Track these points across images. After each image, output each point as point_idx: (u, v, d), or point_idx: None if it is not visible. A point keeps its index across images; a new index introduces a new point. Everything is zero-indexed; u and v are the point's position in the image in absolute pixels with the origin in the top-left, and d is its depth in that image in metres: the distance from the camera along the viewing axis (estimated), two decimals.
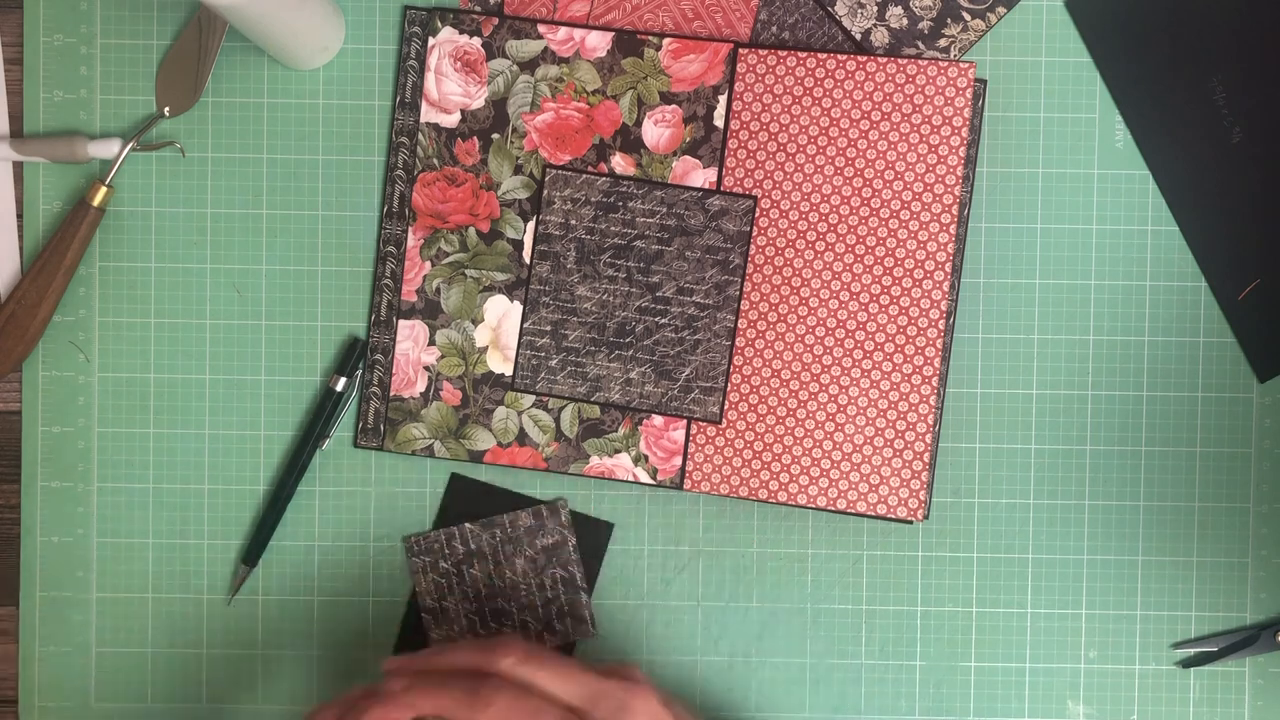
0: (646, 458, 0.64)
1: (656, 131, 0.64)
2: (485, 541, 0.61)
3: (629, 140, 0.64)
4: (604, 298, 0.64)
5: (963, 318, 0.65)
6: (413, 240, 0.64)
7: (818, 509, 0.63)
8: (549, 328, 0.64)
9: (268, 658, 0.65)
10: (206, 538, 0.65)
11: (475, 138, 0.64)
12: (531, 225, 0.64)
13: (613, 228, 0.64)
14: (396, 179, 0.65)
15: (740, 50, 0.63)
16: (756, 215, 0.63)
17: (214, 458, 0.65)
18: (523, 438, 0.64)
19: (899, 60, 0.63)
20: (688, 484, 0.64)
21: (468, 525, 0.61)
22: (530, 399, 0.64)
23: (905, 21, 0.64)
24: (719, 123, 0.64)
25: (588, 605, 0.62)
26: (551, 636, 0.61)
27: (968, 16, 0.64)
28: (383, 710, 0.50)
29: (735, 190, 0.64)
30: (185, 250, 0.65)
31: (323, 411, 0.64)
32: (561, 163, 0.64)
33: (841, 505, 0.63)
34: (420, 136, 0.64)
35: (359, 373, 0.65)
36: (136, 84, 0.65)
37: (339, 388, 0.64)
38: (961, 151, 0.62)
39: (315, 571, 0.65)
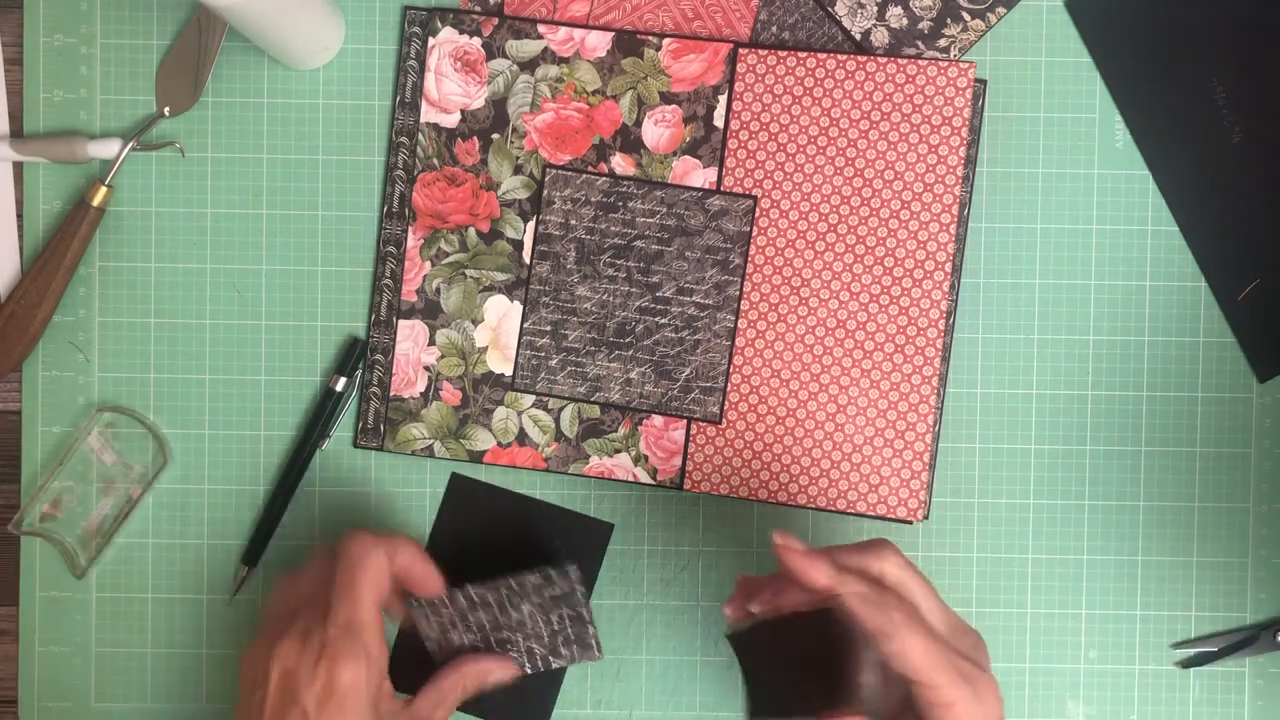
0: (646, 458, 0.64)
1: (656, 131, 0.64)
2: (491, 598, 0.59)
3: (629, 140, 0.64)
4: (604, 298, 0.64)
5: (963, 318, 0.65)
6: (413, 240, 0.64)
7: (818, 509, 0.63)
8: (549, 328, 0.64)
9: None
10: (206, 538, 0.65)
11: (475, 138, 0.64)
12: (531, 225, 0.64)
13: (613, 228, 0.64)
14: (396, 179, 0.65)
15: (740, 50, 0.63)
16: (756, 215, 0.63)
17: (214, 458, 0.65)
18: (523, 438, 0.64)
19: (899, 60, 0.63)
20: (688, 484, 0.64)
21: (470, 587, 0.58)
22: (530, 399, 0.64)
23: (905, 21, 0.64)
24: (719, 123, 0.64)
25: (594, 636, 0.60)
26: (557, 659, 0.59)
27: (968, 16, 0.64)
28: (807, 564, 0.50)
29: (735, 190, 0.64)
30: (185, 250, 0.65)
31: (323, 411, 0.64)
32: (561, 163, 0.64)
33: (841, 505, 0.63)
34: (420, 136, 0.64)
35: (359, 373, 0.65)
36: (136, 84, 0.65)
37: (339, 388, 0.64)
38: (961, 151, 0.62)
39: None
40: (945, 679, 0.48)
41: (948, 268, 0.63)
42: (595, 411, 0.64)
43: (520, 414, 0.64)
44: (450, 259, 0.65)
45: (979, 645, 0.52)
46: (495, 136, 0.64)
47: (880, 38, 0.64)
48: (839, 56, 0.63)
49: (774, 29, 0.64)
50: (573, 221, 0.64)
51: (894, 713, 0.51)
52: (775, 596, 0.52)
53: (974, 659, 0.50)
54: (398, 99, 0.64)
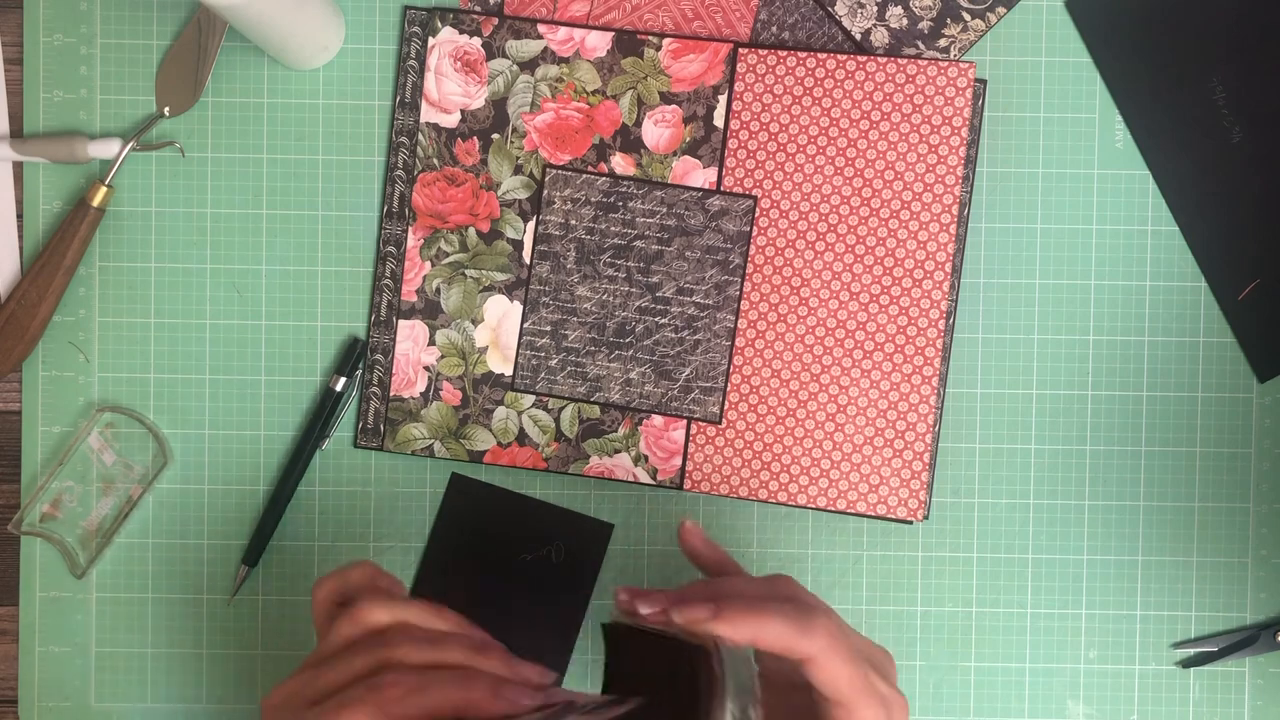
0: (646, 458, 0.64)
1: (656, 131, 0.64)
2: None
3: (629, 140, 0.64)
4: (604, 298, 0.64)
5: (963, 318, 0.65)
6: (413, 240, 0.64)
7: (818, 509, 0.63)
8: (549, 328, 0.64)
9: (268, 658, 0.65)
10: (206, 538, 0.65)
11: (475, 138, 0.64)
12: (531, 225, 0.64)
13: (613, 228, 0.64)
14: (396, 179, 0.65)
15: (740, 50, 0.63)
16: (756, 215, 0.63)
17: (214, 458, 0.65)
18: (523, 438, 0.64)
19: (899, 60, 0.63)
20: (688, 484, 0.64)
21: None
22: (530, 399, 0.64)
23: (905, 21, 0.64)
24: (719, 123, 0.64)
25: None
26: None
27: (968, 16, 0.64)
28: (727, 628, 0.47)
29: (735, 190, 0.64)
30: (185, 250, 0.65)
31: (323, 411, 0.64)
32: (561, 163, 0.64)
33: (841, 505, 0.63)
34: (420, 136, 0.64)
35: (359, 373, 0.65)
36: (136, 84, 0.65)
37: (339, 388, 0.64)
38: (961, 151, 0.62)
39: (315, 571, 0.65)
40: (863, 700, 0.48)
41: (948, 268, 0.63)
42: (595, 411, 0.64)
43: (520, 414, 0.64)
44: (450, 259, 0.65)
45: (889, 663, 0.51)
46: (495, 136, 0.64)
47: (880, 38, 0.64)
48: (839, 56, 0.63)
49: (774, 29, 0.64)
50: (573, 221, 0.64)
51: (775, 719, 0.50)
52: (666, 614, 0.48)
53: (888, 679, 0.50)
54: (398, 99, 0.64)
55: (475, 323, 0.65)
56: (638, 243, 0.64)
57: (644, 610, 0.48)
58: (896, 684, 0.50)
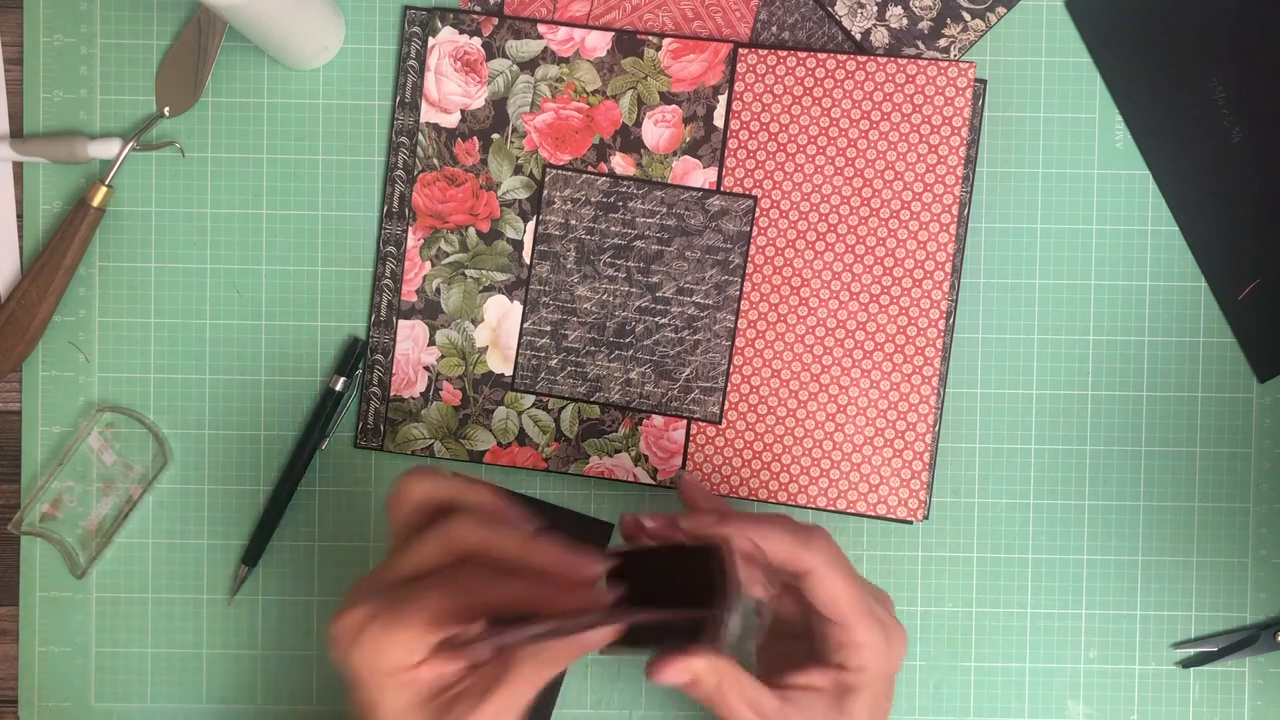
0: (646, 458, 0.64)
1: (656, 131, 0.64)
2: None
3: (629, 140, 0.64)
4: (604, 298, 0.64)
5: (963, 318, 0.65)
6: (413, 240, 0.64)
7: (818, 509, 0.63)
8: (549, 328, 0.64)
9: (268, 658, 0.65)
10: (206, 538, 0.65)
11: (475, 138, 0.64)
12: (531, 225, 0.64)
13: (613, 228, 0.64)
14: (396, 179, 0.65)
15: (740, 50, 0.63)
16: (756, 215, 0.63)
17: (214, 458, 0.65)
18: (523, 438, 0.64)
19: (899, 60, 0.63)
20: None
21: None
22: (530, 399, 0.64)
23: (905, 21, 0.64)
24: (719, 123, 0.64)
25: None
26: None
27: (968, 16, 0.64)
28: (733, 530, 0.47)
29: (735, 190, 0.64)
30: (185, 250, 0.65)
31: (323, 411, 0.64)
32: (561, 163, 0.64)
33: (841, 505, 0.63)
34: (420, 136, 0.64)
35: (359, 373, 0.65)
36: (136, 84, 0.65)
37: (339, 388, 0.64)
38: (961, 151, 0.62)
39: (315, 571, 0.65)
40: (862, 621, 0.48)
41: (948, 268, 0.63)
42: (595, 411, 0.64)
43: (520, 414, 0.64)
44: (450, 259, 0.65)
45: (888, 599, 0.52)
46: (495, 136, 0.64)
47: (880, 38, 0.64)
48: (839, 56, 0.63)
49: (774, 29, 0.64)
50: (573, 221, 0.64)
51: (771, 669, 0.50)
52: (669, 528, 0.49)
53: (888, 610, 0.50)
54: (398, 99, 0.64)
55: (475, 323, 0.65)
56: (638, 243, 0.64)
57: (650, 524, 0.49)
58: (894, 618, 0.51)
